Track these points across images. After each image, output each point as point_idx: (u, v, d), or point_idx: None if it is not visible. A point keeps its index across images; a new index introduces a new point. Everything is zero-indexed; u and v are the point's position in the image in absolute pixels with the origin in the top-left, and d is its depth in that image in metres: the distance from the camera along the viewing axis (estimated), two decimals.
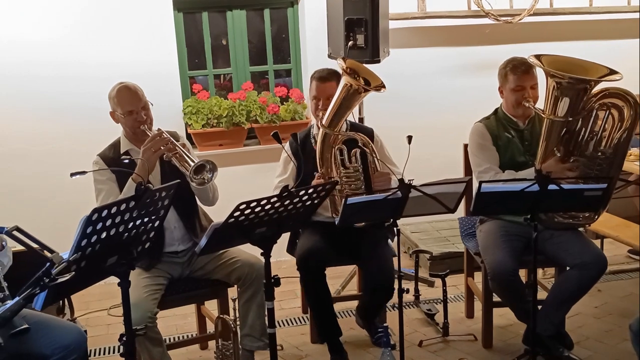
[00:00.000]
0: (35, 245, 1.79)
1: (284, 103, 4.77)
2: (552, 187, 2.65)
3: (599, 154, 3.03)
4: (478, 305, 3.62)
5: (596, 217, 3.12)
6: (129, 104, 3.04)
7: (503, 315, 3.54)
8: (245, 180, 4.53)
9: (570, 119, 3.00)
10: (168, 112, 4.44)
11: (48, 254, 1.76)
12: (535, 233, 2.76)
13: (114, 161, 3.05)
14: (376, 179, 3.22)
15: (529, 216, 2.77)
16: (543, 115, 3.06)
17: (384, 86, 3.17)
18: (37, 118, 4.37)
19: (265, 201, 2.36)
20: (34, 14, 4.25)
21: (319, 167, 3.23)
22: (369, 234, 3.28)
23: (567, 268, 3.16)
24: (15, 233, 1.76)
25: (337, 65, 3.19)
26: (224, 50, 4.89)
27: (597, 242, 4.02)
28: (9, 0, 4.21)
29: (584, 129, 3.06)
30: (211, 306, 3.40)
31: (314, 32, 4.59)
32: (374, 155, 3.21)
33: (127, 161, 2.93)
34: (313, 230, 3.34)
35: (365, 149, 3.22)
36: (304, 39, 4.84)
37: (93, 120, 4.17)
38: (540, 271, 4.14)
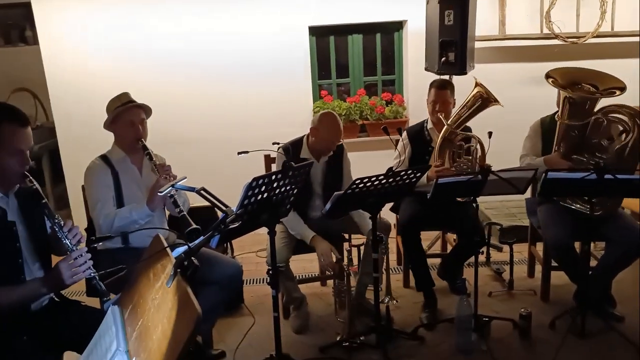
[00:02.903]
0: (215, 201, 1.87)
1: (389, 105, 4.76)
2: (607, 176, 2.50)
3: (603, 156, 2.89)
4: (538, 268, 3.49)
5: None
6: (334, 135, 3.02)
7: (559, 277, 3.35)
8: (358, 163, 4.41)
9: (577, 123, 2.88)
10: (302, 111, 4.58)
11: (224, 208, 1.85)
12: (589, 212, 2.63)
13: (289, 159, 2.91)
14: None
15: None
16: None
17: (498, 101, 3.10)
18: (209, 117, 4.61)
19: (374, 178, 2.42)
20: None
21: (435, 158, 3.12)
22: (455, 204, 3.19)
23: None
24: (202, 192, 1.86)
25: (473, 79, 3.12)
26: (344, 65, 4.94)
27: None
28: None
29: (591, 136, 2.93)
30: None
31: (414, 50, 4.52)
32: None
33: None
34: (414, 199, 3.22)
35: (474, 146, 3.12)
36: (406, 56, 4.77)
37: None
38: (592, 244, 3.91)
